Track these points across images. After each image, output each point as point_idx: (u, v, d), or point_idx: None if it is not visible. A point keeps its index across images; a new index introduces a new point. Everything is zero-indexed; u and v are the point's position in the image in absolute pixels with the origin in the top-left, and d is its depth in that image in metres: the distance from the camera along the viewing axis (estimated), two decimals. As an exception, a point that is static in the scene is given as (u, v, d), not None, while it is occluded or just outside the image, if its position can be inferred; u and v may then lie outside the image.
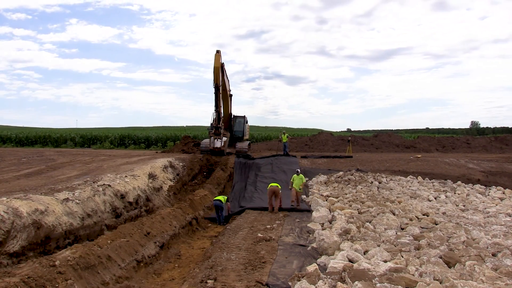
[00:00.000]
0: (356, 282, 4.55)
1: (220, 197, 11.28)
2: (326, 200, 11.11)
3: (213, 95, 20.28)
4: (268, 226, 9.25)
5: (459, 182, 15.30)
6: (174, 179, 15.17)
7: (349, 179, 14.81)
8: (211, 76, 19.63)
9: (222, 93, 20.78)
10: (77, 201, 8.62)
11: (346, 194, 12.05)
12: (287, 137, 24.09)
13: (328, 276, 4.95)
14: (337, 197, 11.44)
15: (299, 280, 5.03)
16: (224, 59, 20.50)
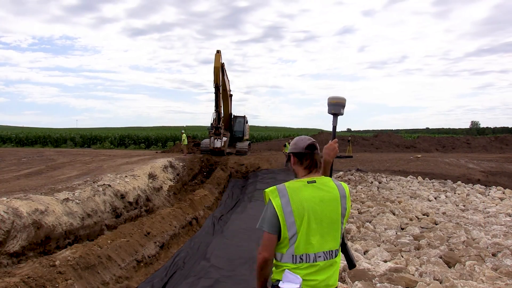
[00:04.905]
0: (356, 282, 4.56)
1: None
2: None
3: (213, 95, 20.30)
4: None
5: (459, 182, 15.29)
6: (174, 179, 15.17)
7: (349, 179, 14.81)
8: (209, 77, 19.73)
9: (222, 93, 20.79)
10: (77, 201, 8.62)
11: (346, 194, 12.05)
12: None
13: (328, 276, 4.95)
14: (337, 197, 11.44)
15: (299, 280, 5.03)
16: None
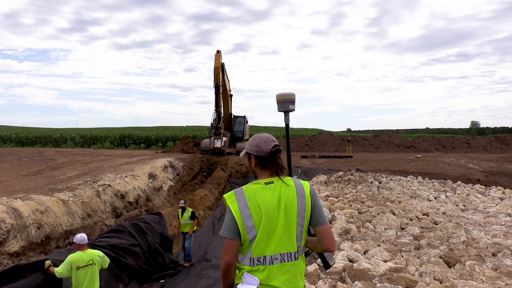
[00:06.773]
0: (356, 282, 4.56)
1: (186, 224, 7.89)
2: (326, 200, 11.12)
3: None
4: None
5: (459, 182, 15.30)
6: (174, 179, 15.17)
7: (349, 179, 14.82)
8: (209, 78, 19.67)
9: (222, 93, 20.78)
10: (77, 201, 8.63)
11: (346, 194, 12.05)
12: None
13: (328, 276, 4.95)
14: (337, 197, 11.45)
15: (299, 280, 5.03)
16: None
